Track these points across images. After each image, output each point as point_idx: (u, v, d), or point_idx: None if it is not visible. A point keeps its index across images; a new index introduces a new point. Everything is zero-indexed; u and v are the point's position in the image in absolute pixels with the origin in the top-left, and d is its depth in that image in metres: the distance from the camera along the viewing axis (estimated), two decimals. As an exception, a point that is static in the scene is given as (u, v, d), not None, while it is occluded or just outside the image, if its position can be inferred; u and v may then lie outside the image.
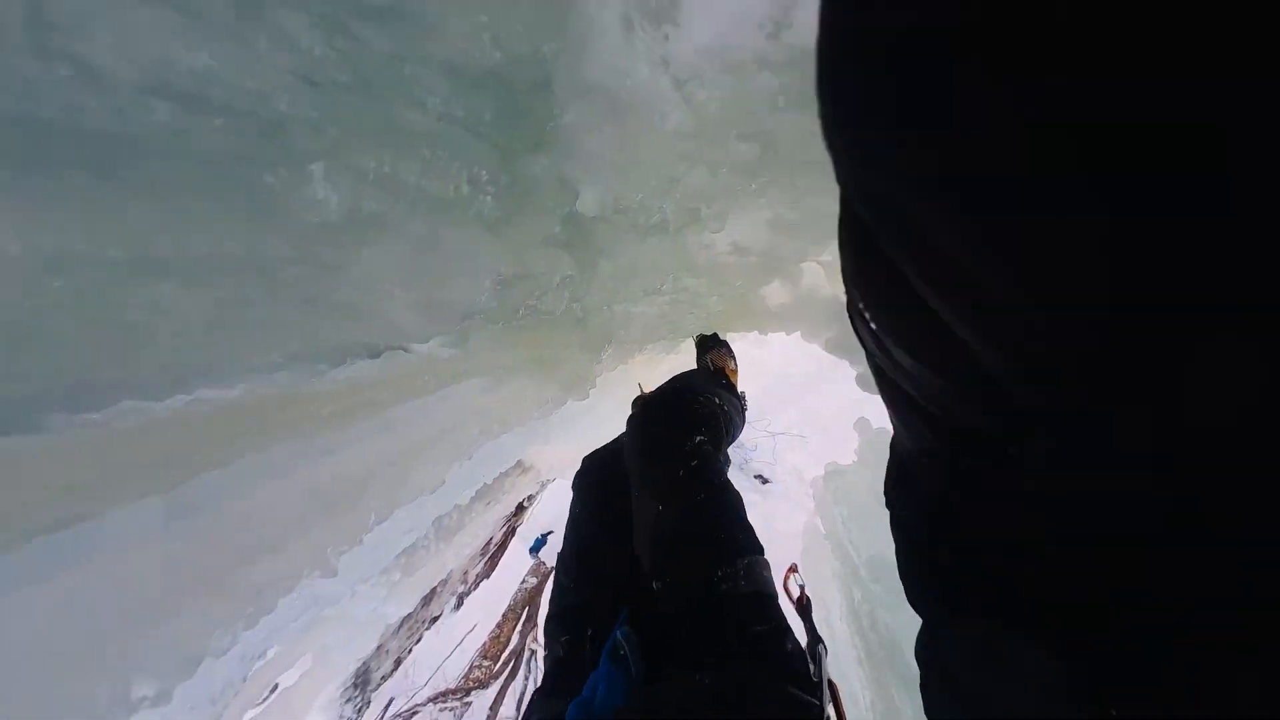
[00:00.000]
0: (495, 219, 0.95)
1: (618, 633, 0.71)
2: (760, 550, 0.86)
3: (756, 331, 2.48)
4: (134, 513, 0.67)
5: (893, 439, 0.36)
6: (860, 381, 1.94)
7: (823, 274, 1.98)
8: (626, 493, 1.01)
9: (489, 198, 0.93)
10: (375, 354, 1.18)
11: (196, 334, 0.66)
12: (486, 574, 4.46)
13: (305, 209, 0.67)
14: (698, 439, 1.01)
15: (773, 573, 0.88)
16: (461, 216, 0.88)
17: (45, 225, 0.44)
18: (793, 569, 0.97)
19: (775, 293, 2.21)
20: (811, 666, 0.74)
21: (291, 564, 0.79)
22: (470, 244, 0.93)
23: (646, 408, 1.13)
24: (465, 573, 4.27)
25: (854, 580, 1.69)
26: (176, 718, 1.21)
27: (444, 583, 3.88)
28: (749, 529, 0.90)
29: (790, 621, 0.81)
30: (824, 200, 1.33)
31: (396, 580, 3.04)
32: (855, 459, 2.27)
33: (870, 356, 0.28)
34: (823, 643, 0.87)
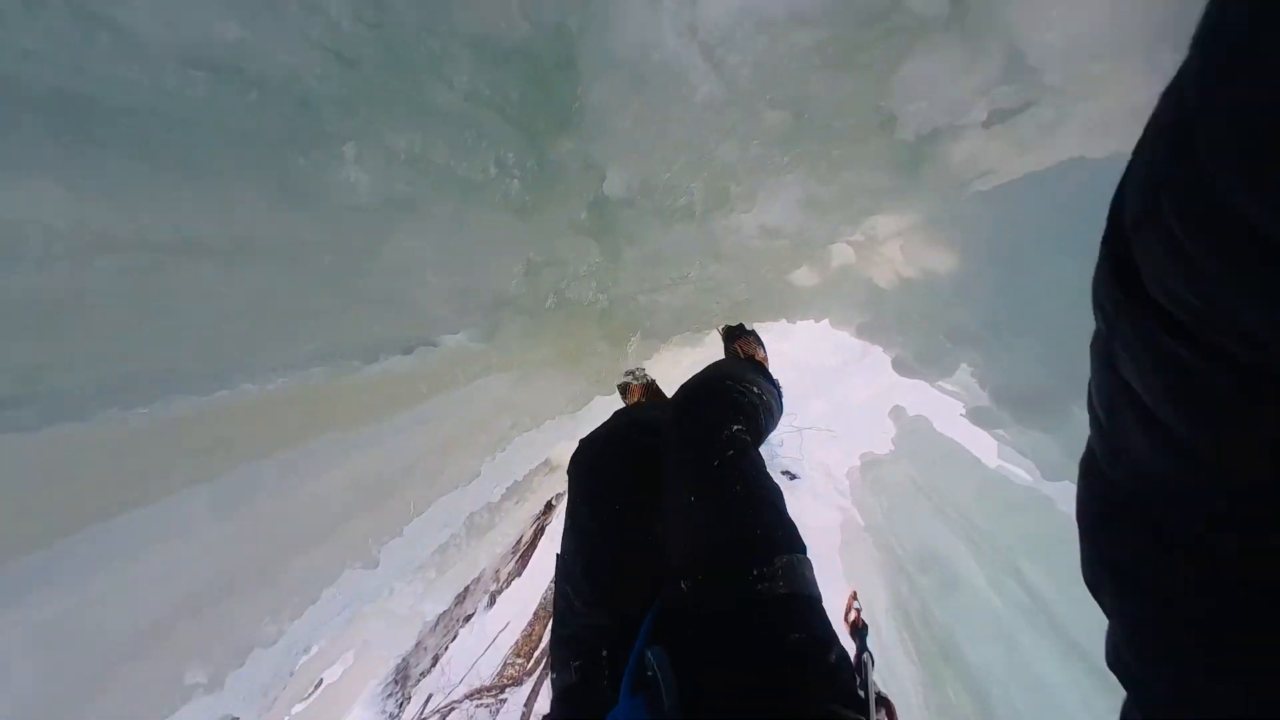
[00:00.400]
0: (523, 203, 0.94)
1: (649, 653, 0.62)
2: (803, 548, 0.80)
3: (784, 320, 2.41)
4: (181, 502, 0.68)
5: (1094, 464, 0.32)
6: (897, 365, 1.85)
7: (853, 255, 1.91)
8: (632, 482, 0.94)
9: (516, 181, 0.92)
10: (408, 350, 1.19)
11: (238, 321, 0.66)
12: (518, 572, 4.49)
13: (337, 191, 0.66)
14: (735, 428, 0.95)
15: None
16: (490, 200, 0.87)
17: (91, 203, 0.44)
18: (853, 597, 0.92)
19: (804, 277, 2.15)
20: (858, 678, 0.68)
21: (334, 554, 0.79)
22: (499, 228, 0.92)
23: (686, 394, 1.07)
24: (497, 571, 4.31)
25: (899, 574, 1.62)
26: (231, 706, 1.24)
27: (477, 581, 3.93)
28: (790, 525, 0.83)
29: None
30: (859, 173, 1.27)
31: (433, 578, 3.09)
32: (892, 448, 2.18)
33: (1154, 362, 0.25)
34: (869, 650, 0.79)
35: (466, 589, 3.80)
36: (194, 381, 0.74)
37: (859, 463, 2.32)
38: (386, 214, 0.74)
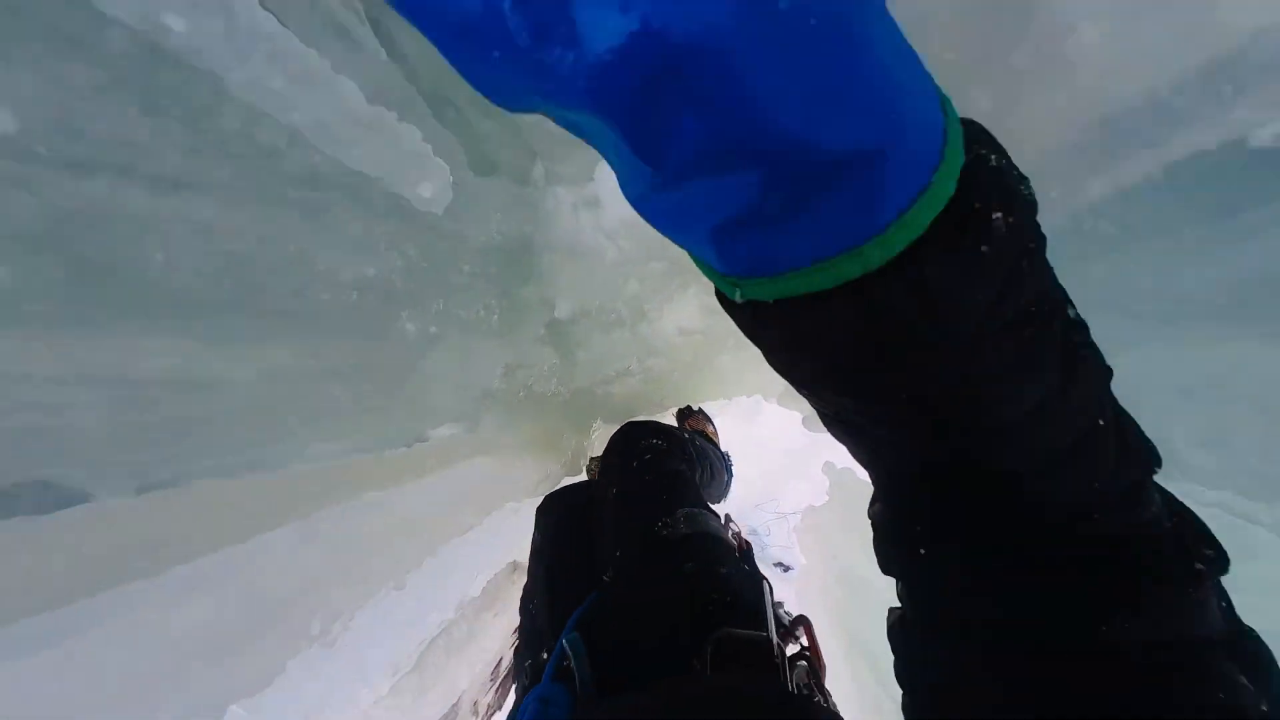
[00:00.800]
0: (501, 328, 1.51)
1: (563, 640, 0.66)
2: (711, 511, 0.88)
3: (723, 399, 2.97)
4: (282, 535, 1.11)
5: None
6: (806, 424, 2.39)
7: (758, 342, 2.54)
8: (585, 515, 1.04)
9: (496, 316, 1.50)
10: (409, 444, 1.66)
11: (337, 420, 1.16)
12: (498, 705, 4.25)
13: (396, 336, 1.21)
14: (654, 441, 1.11)
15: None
16: (480, 328, 1.44)
17: (287, 351, 0.96)
18: (727, 518, 1.07)
19: (725, 363, 2.75)
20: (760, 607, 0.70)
21: (375, 574, 1.17)
22: (485, 346, 1.48)
23: (619, 430, 1.27)
24: (475, 702, 4.10)
25: (831, 593, 1.99)
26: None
27: (455, 708, 3.77)
28: (699, 496, 0.94)
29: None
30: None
31: (408, 704, 3.08)
32: (827, 498, 2.62)
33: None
34: (750, 557, 0.88)
35: (444, 722, 3.60)
36: (278, 459, 1.19)
37: (800, 516, 2.74)
38: (422, 347, 1.28)
